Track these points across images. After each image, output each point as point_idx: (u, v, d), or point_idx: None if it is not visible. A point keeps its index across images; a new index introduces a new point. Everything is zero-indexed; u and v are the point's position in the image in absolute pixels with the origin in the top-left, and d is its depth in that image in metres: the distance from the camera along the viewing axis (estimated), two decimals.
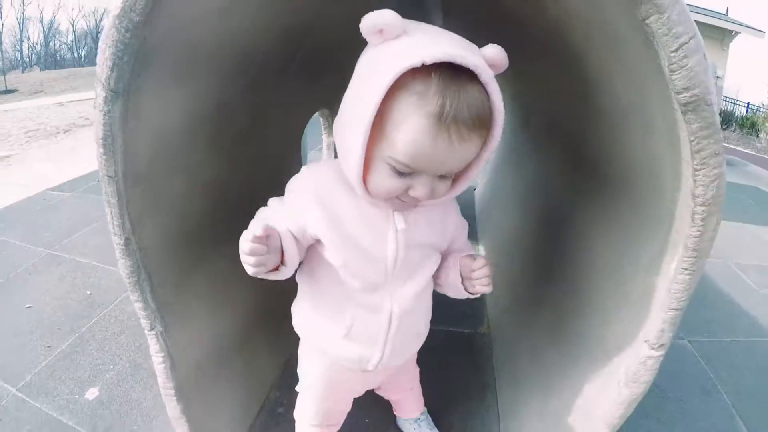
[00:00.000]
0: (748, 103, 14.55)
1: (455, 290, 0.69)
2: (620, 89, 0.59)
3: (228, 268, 0.92)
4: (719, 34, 12.60)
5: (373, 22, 0.46)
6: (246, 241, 0.52)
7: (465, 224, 0.72)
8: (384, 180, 0.52)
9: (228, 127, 0.87)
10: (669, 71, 0.42)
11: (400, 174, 0.51)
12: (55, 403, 1.07)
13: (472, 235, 1.89)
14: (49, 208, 2.32)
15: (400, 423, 1.01)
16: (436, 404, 1.04)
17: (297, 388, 0.80)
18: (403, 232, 0.60)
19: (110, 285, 1.56)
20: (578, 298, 0.84)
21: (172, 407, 0.78)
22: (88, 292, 1.52)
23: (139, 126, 0.60)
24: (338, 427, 0.84)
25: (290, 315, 0.75)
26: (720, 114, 12.53)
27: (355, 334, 0.65)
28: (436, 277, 0.70)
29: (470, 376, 1.19)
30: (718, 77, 12.30)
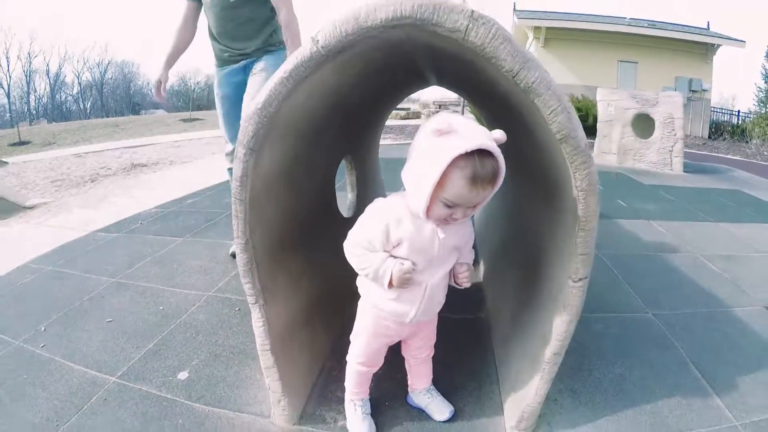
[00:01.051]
0: (739, 111, 15.21)
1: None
2: (539, 133, 1.02)
3: (298, 268, 1.36)
4: (702, 48, 13.27)
5: (438, 125, 0.86)
6: (403, 282, 0.99)
7: (473, 235, 1.13)
8: (440, 210, 0.93)
9: (298, 170, 1.32)
10: (548, 123, 0.85)
11: (449, 207, 0.92)
12: (153, 384, 1.41)
13: (473, 247, 2.35)
14: (103, 246, 2.70)
15: (413, 395, 1.29)
16: (445, 374, 1.34)
17: (351, 337, 1.19)
18: (443, 239, 1.00)
19: (178, 302, 1.95)
20: (537, 268, 1.25)
21: (266, 359, 1.18)
22: (161, 308, 1.91)
23: (259, 169, 1.03)
24: (377, 368, 1.21)
25: (338, 305, 1.15)
26: (711, 126, 12.98)
27: (402, 298, 1.06)
28: None
29: (474, 350, 1.56)
30: (705, 90, 13.00)
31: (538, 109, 0.88)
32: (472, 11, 0.88)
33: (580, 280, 1.00)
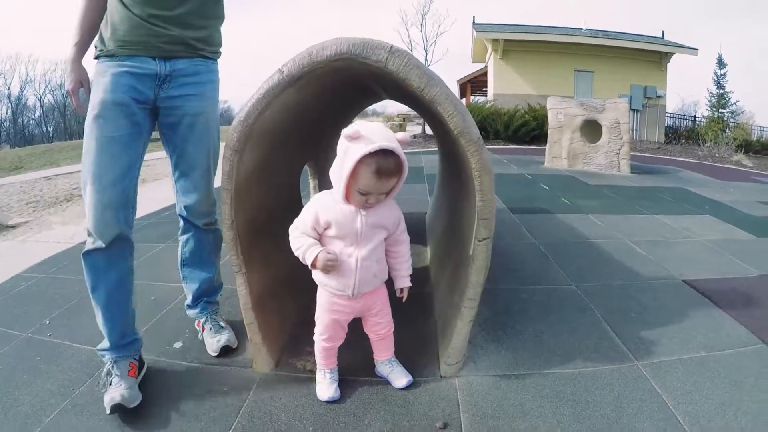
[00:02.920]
0: (694, 116, 16.33)
1: (393, 274, 1.41)
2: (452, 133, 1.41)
3: (268, 248, 1.71)
4: (656, 56, 14.16)
5: (348, 133, 1.14)
6: (324, 267, 1.25)
7: (402, 217, 1.39)
8: (357, 197, 1.22)
9: (269, 170, 1.69)
10: (448, 124, 1.25)
11: (363, 194, 1.22)
12: (152, 353, 1.67)
13: (422, 242, 2.77)
14: None
15: (378, 366, 1.51)
16: (397, 338, 1.53)
17: (315, 317, 1.43)
18: (364, 216, 1.27)
19: (168, 293, 2.24)
20: (460, 238, 1.64)
21: (248, 315, 1.52)
22: (153, 298, 2.21)
23: (241, 166, 1.40)
24: (338, 342, 1.43)
25: (303, 283, 1.45)
26: (668, 131, 13.83)
27: (339, 272, 1.30)
28: (389, 261, 1.39)
29: (419, 316, 1.90)
30: (659, 96, 13.96)
31: (440, 114, 1.28)
32: (391, 47, 1.28)
33: (483, 239, 1.38)
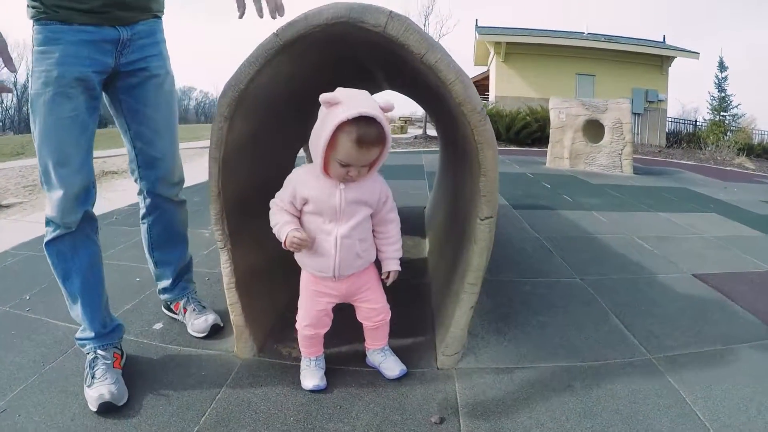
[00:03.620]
0: (695, 121, 16.23)
1: (381, 255, 1.28)
2: (450, 107, 1.29)
3: (258, 229, 1.57)
4: (658, 60, 14.08)
5: (325, 98, 1.09)
6: (291, 245, 1.15)
7: (389, 194, 1.26)
8: (337, 169, 1.10)
9: (262, 145, 1.57)
10: (449, 92, 1.13)
11: (343, 166, 1.10)
12: (131, 333, 1.57)
13: (421, 235, 2.68)
14: None
15: (369, 355, 1.39)
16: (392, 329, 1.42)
17: (298, 304, 1.31)
18: (343, 190, 1.15)
19: (150, 277, 2.14)
20: (461, 226, 1.52)
21: (231, 295, 1.40)
22: (137, 279, 2.10)
23: (231, 135, 1.28)
24: (323, 330, 1.32)
25: (296, 268, 1.31)
26: (669, 136, 13.76)
27: (318, 250, 1.20)
28: (376, 242, 1.28)
29: (416, 305, 1.78)
30: (660, 100, 13.84)
31: (442, 82, 1.16)
32: (390, 11, 1.17)
33: (486, 218, 1.27)
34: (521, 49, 13.96)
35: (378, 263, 1.32)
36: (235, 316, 1.42)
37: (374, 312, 1.33)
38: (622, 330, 1.67)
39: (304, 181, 1.19)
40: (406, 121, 16.02)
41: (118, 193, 4.40)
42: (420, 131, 12.55)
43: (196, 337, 1.58)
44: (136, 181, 1.54)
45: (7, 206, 3.99)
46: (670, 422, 1.16)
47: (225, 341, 1.54)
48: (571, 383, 1.32)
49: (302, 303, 1.31)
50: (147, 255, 1.66)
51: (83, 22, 1.22)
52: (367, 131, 1.06)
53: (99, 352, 1.33)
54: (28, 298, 1.94)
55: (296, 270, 1.33)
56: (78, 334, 1.38)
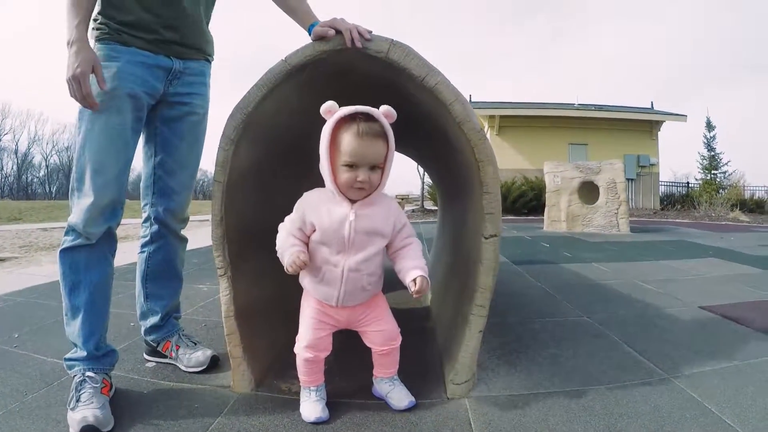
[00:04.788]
0: (688, 183, 16.69)
1: (402, 278, 1.18)
2: (450, 133, 1.34)
3: (260, 264, 1.57)
4: (648, 126, 14.81)
5: (326, 106, 1.10)
6: (292, 265, 1.12)
7: (406, 221, 1.22)
8: (345, 174, 1.09)
9: (266, 175, 1.60)
10: (450, 113, 1.19)
11: (350, 167, 1.10)
12: (122, 369, 1.46)
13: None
14: None
15: (376, 384, 1.32)
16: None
17: (299, 325, 1.26)
18: (353, 221, 1.12)
19: None
20: (462, 247, 1.51)
21: (230, 324, 1.35)
22: (132, 324, 2.03)
23: (236, 160, 1.31)
24: (323, 354, 1.25)
25: (297, 308, 1.29)
26: (663, 199, 14.09)
27: (325, 279, 1.18)
28: (395, 267, 1.21)
29: (420, 344, 1.72)
30: (652, 164, 14.32)
31: (441, 104, 1.22)
32: (392, 39, 1.26)
33: (490, 236, 1.27)
34: (514, 121, 14.73)
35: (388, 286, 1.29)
36: (233, 347, 1.36)
37: (382, 336, 1.27)
38: (636, 356, 1.63)
39: (315, 205, 1.16)
40: (403, 199, 16.58)
41: (119, 254, 4.38)
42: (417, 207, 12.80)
43: (192, 372, 1.50)
44: (144, 207, 1.54)
45: (3, 259, 4.00)
46: (702, 431, 1.12)
47: (221, 377, 1.46)
48: (590, 405, 1.25)
49: (302, 323, 1.26)
50: (139, 287, 1.60)
51: (141, 47, 1.34)
52: (367, 125, 1.09)
53: (88, 374, 1.26)
54: (17, 336, 1.89)
55: (296, 310, 1.29)
56: (68, 355, 1.32)
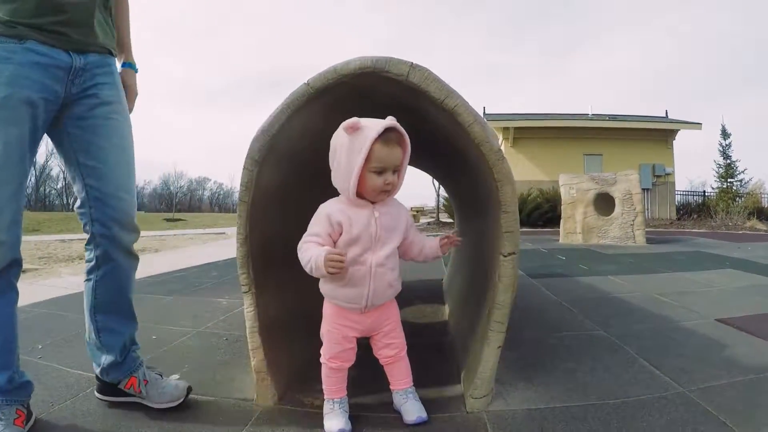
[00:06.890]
0: (704, 192, 16.48)
1: (429, 254, 1.34)
2: (467, 155, 1.39)
3: (281, 279, 1.63)
4: (662, 135, 14.64)
5: (349, 123, 1.17)
6: (331, 260, 1.13)
7: (413, 222, 1.36)
8: (373, 181, 1.18)
9: (289, 197, 1.66)
10: (468, 134, 1.24)
11: (379, 174, 1.21)
12: None
13: (440, 302, 2.69)
14: None
15: (394, 397, 1.35)
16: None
17: (321, 335, 1.31)
18: (378, 218, 1.22)
19: (170, 334, 2.16)
20: (481, 263, 1.55)
21: (254, 339, 1.40)
22: (154, 337, 2.10)
23: (260, 181, 1.38)
24: (348, 364, 1.31)
25: (317, 324, 1.34)
26: (679, 208, 13.96)
27: (352, 281, 1.22)
28: (412, 254, 1.34)
29: (439, 361, 1.75)
30: (668, 173, 14.18)
31: (460, 125, 1.27)
32: (412, 62, 1.32)
33: (509, 254, 1.30)
34: (529, 133, 14.71)
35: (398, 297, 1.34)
36: (257, 362, 1.40)
37: (390, 347, 1.33)
38: (652, 370, 1.65)
39: (340, 209, 1.23)
40: (418, 211, 16.81)
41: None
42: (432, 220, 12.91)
43: (213, 388, 1.54)
44: (85, 227, 1.35)
45: (23, 271, 4.08)
46: None
47: (243, 390, 1.51)
48: (607, 419, 1.27)
49: (326, 334, 1.31)
50: (88, 319, 1.39)
51: (38, 39, 1.16)
52: (389, 133, 1.18)
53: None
54: (40, 347, 1.97)
55: (316, 324, 1.34)
56: None
